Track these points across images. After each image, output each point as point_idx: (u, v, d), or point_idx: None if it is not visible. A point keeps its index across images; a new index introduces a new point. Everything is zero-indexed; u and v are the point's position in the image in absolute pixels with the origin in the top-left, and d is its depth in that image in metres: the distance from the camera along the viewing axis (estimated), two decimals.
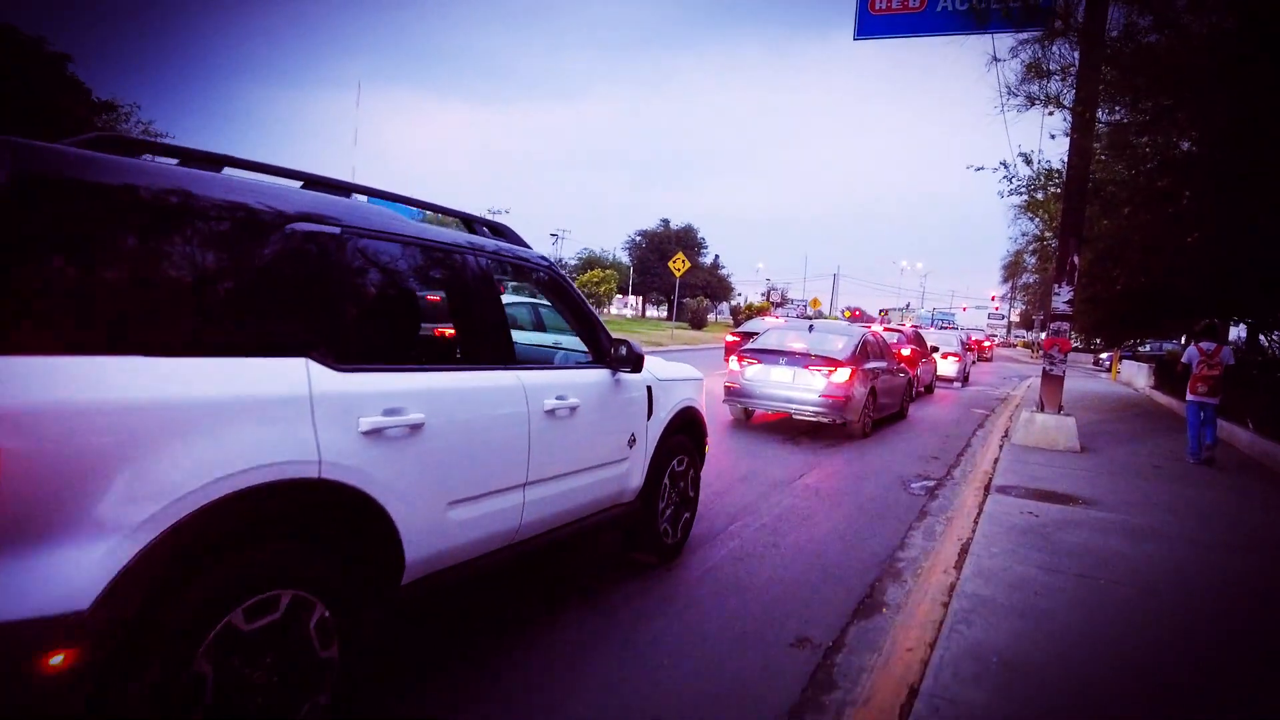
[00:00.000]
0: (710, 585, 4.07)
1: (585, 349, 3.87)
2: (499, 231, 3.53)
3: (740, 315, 49.62)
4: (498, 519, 2.91)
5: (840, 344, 9.65)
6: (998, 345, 57.18)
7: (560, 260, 57.95)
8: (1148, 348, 31.76)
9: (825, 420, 9.22)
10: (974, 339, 34.41)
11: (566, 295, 3.74)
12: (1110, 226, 11.03)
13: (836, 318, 49.90)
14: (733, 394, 9.69)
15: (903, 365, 12.11)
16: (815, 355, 9.31)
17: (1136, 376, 22.94)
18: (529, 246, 3.62)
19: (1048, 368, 9.82)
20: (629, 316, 55.27)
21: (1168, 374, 17.48)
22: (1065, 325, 9.70)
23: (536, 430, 3.07)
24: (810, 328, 10.49)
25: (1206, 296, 12.53)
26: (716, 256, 63.88)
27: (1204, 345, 8.54)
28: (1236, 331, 18.25)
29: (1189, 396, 8.66)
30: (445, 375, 2.78)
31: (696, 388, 4.64)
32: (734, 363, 9.77)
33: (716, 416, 10.12)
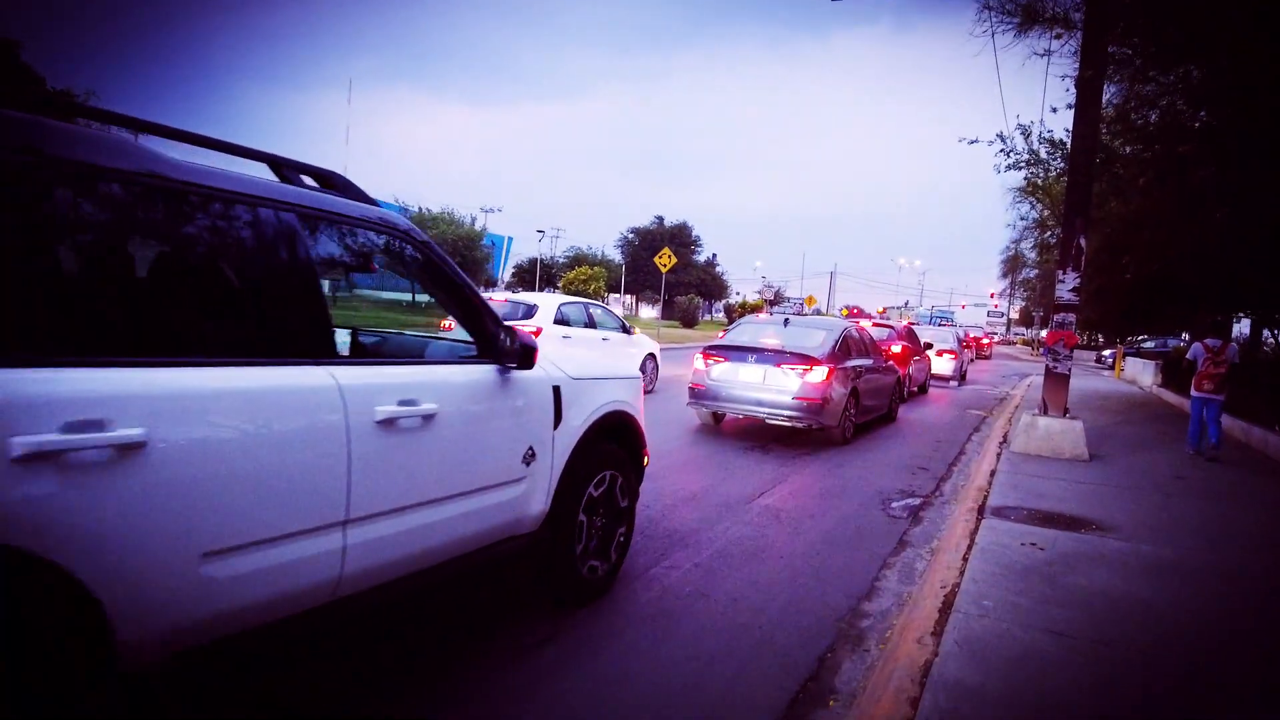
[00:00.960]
0: (599, 663, 2.99)
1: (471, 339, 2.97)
2: (327, 181, 2.63)
3: (735, 314, 48.56)
4: (300, 571, 2.13)
5: (818, 340, 8.53)
6: (997, 343, 56.24)
7: (551, 258, 56.87)
8: (1151, 344, 30.77)
9: (800, 425, 8.12)
10: (971, 336, 33.34)
11: (429, 268, 2.86)
12: (1120, 208, 9.93)
13: (834, 315, 48.85)
14: (698, 395, 8.59)
15: (891, 363, 11.01)
16: (789, 352, 8.19)
17: (1142, 374, 21.89)
18: (373, 202, 2.71)
19: (1051, 365, 8.66)
20: (620, 314, 54.18)
21: (1174, 371, 16.51)
22: (1071, 317, 8.51)
23: (363, 447, 2.28)
24: (786, 322, 9.38)
25: (1218, 286, 11.53)
26: (713, 255, 62.77)
27: (1210, 342, 8.44)
28: (1238, 328, 17.83)
29: (1193, 393, 8.52)
30: (190, 374, 1.88)
31: (629, 388, 3.77)
32: (700, 361, 8.68)
33: (684, 420, 9.08)
